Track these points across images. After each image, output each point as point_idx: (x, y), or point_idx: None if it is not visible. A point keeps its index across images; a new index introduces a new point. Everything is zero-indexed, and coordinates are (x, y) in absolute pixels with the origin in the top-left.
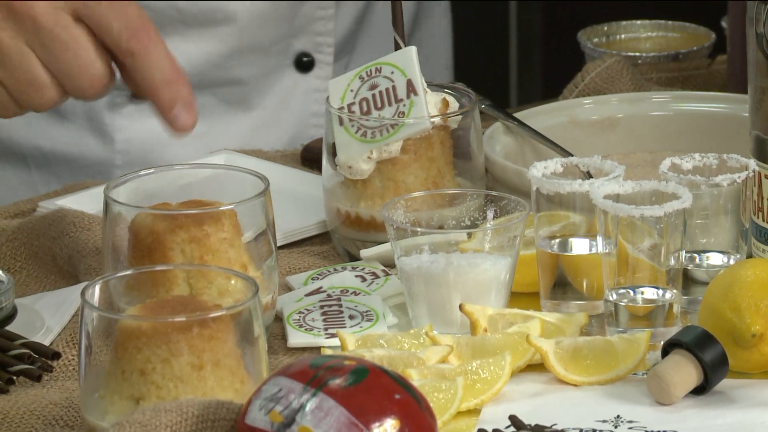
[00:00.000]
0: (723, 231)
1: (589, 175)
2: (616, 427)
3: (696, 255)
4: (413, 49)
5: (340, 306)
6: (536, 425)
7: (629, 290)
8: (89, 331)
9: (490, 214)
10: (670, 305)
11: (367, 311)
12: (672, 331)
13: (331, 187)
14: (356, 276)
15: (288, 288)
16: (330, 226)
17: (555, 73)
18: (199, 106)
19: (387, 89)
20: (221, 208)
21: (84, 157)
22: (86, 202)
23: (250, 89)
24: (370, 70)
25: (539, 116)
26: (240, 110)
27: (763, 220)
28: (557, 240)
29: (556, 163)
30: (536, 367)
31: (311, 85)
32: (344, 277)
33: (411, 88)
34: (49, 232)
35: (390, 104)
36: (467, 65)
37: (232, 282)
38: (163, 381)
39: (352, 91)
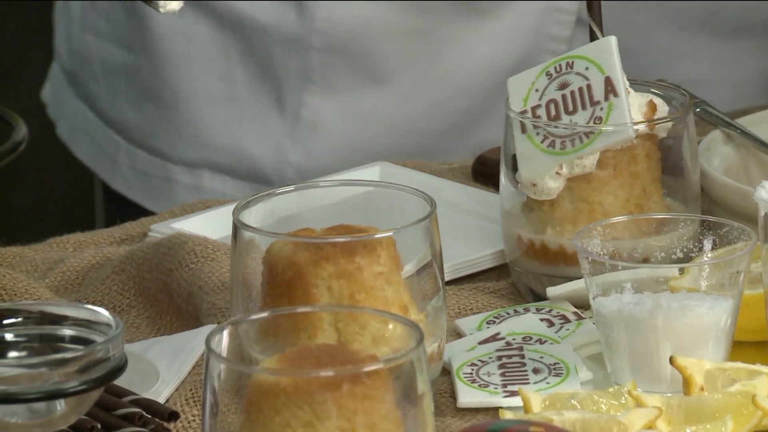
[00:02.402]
0: None
1: None
2: None
3: None
4: (613, 39)
5: (522, 357)
6: None
7: None
8: (215, 386)
9: (707, 244)
10: None
11: (555, 364)
12: None
13: (511, 209)
14: (542, 320)
15: (458, 334)
16: (509, 258)
17: None
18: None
19: (580, 89)
20: (377, 236)
21: (282, 28)
22: (210, 225)
23: None
24: (560, 66)
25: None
26: (471, 16)
27: None
28: None
29: None
30: None
31: (554, 4)
32: (527, 321)
33: (610, 88)
34: (164, 262)
35: (584, 107)
36: None
37: (390, 327)
38: None
39: (537, 90)
